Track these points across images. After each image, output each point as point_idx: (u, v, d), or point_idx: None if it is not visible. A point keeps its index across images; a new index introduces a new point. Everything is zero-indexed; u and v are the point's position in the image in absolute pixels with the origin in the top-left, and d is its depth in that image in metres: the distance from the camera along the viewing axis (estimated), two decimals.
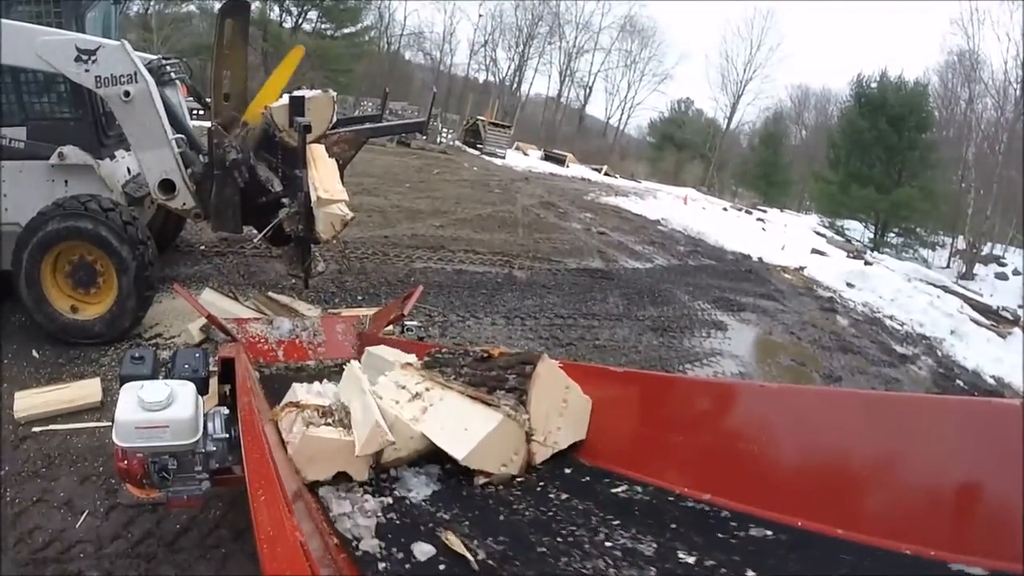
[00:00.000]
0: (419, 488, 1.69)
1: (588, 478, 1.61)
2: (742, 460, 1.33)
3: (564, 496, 1.52)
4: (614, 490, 1.49)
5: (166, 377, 2.17)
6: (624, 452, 1.63)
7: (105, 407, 3.64)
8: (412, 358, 2.38)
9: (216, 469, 2.09)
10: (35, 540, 2.70)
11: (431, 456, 1.77)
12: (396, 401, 1.92)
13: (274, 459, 1.43)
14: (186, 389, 1.99)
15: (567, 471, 1.66)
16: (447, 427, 1.71)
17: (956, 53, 31.80)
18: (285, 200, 4.39)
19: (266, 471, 1.33)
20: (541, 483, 1.63)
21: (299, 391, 2.08)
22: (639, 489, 1.47)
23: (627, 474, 1.54)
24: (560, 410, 1.75)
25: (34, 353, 4.21)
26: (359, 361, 2.78)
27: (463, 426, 1.69)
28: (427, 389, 1.95)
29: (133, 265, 4.19)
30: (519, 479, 1.66)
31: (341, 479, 1.68)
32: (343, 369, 3.71)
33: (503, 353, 1.95)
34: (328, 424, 1.75)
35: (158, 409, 1.88)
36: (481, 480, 1.65)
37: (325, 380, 2.60)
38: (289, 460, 1.61)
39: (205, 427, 2.02)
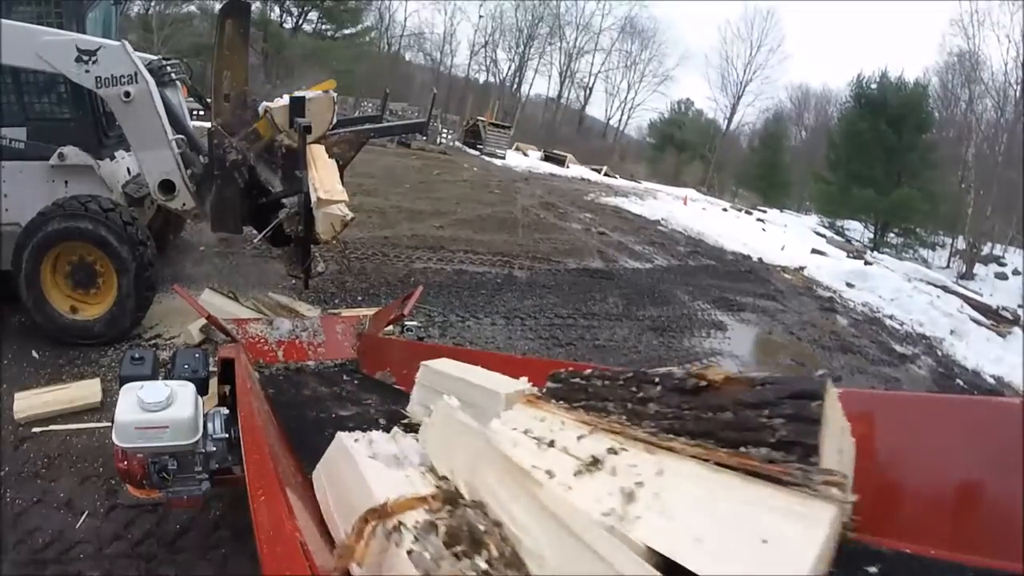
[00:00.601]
0: None
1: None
2: None
3: None
4: None
5: (166, 378, 2.17)
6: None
7: (105, 407, 3.64)
8: (524, 383, 1.44)
9: (216, 469, 2.10)
10: (35, 541, 2.70)
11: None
12: (548, 473, 1.04)
13: (274, 459, 1.43)
14: (186, 389, 2.00)
15: (871, 570, 0.92)
16: (710, 537, 0.83)
17: (956, 54, 31.94)
18: (285, 201, 4.40)
19: (266, 471, 1.33)
20: None
21: (357, 455, 1.20)
22: None
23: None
24: (837, 463, 0.97)
25: (34, 353, 4.21)
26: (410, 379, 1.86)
27: (753, 533, 0.81)
28: (611, 450, 1.05)
29: (133, 266, 4.20)
30: None
31: None
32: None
33: (734, 379, 1.03)
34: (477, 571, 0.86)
35: (158, 409, 1.89)
36: None
37: (397, 431, 1.43)
38: None
39: (205, 427, 2.03)
